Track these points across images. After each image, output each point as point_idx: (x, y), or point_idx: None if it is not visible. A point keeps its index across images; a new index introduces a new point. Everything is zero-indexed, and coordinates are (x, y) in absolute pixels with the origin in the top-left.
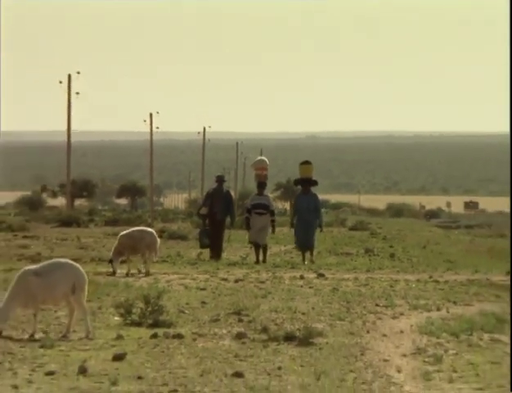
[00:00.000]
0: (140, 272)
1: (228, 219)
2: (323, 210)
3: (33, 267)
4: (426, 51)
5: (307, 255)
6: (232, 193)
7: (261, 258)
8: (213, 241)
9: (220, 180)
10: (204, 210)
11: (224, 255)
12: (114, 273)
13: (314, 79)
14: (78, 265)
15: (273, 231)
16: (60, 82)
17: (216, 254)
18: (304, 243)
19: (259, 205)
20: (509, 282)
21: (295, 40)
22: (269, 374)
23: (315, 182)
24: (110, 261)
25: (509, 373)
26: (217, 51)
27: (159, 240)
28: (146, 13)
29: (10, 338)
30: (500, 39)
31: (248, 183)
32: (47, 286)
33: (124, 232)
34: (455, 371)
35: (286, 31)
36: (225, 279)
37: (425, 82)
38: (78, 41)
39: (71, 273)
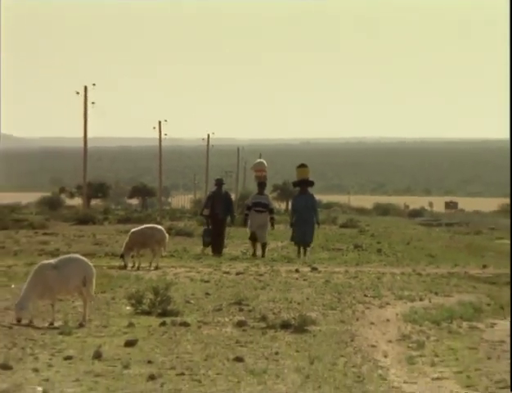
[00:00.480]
0: (151, 265)
1: (229, 218)
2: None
3: (49, 261)
4: (411, 63)
5: (305, 251)
6: (234, 194)
7: (259, 253)
8: (215, 239)
9: (219, 183)
10: (206, 212)
11: (226, 250)
12: (125, 267)
13: (308, 91)
14: (88, 260)
15: (272, 227)
16: (78, 92)
17: (218, 251)
18: (302, 239)
19: (259, 204)
20: (484, 275)
21: (292, 52)
22: (267, 359)
23: (311, 183)
24: (122, 256)
25: (485, 357)
26: (220, 66)
27: (167, 236)
28: (154, 27)
29: (31, 326)
30: (482, 46)
31: (248, 185)
32: (61, 278)
33: (135, 229)
34: (436, 356)
35: (283, 43)
36: (227, 272)
37: (409, 92)
38: (93, 54)
39: (82, 267)
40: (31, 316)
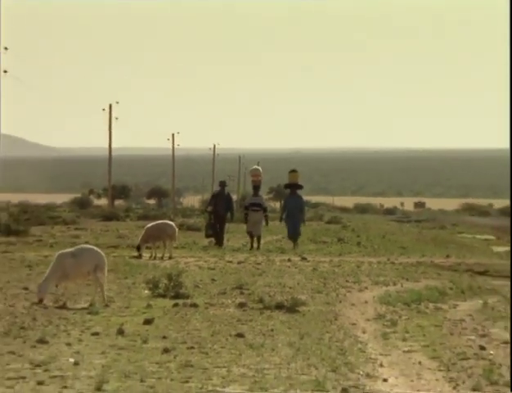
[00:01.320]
0: (164, 256)
1: (229, 215)
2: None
3: (67, 250)
4: (388, 82)
5: (295, 244)
6: (235, 195)
7: (255, 245)
8: (216, 232)
9: (222, 185)
10: (210, 208)
11: (228, 243)
12: (140, 256)
13: (300, 107)
14: (100, 250)
15: (266, 223)
16: (103, 109)
17: (219, 242)
18: (293, 233)
19: (255, 204)
20: (447, 264)
21: (286, 72)
22: (264, 335)
23: (300, 187)
24: (138, 247)
25: (448, 333)
26: (224, 85)
27: (177, 230)
28: (169, 52)
29: (65, 307)
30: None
31: (247, 187)
32: (77, 265)
33: (150, 224)
34: (407, 332)
35: (278, 64)
36: (230, 261)
37: (385, 109)
38: (117, 75)
39: (95, 256)
40: (65, 298)
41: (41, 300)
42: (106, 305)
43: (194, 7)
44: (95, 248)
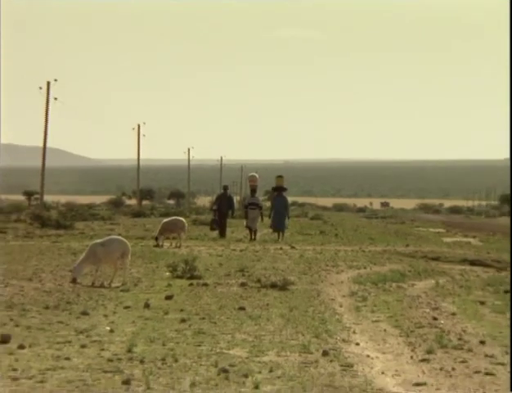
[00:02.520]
0: (176, 245)
1: (230, 212)
2: (290, 208)
3: (99, 241)
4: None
5: (280, 234)
6: (238, 196)
7: (253, 237)
8: (219, 226)
9: (225, 188)
10: (215, 207)
11: (232, 234)
12: (157, 246)
13: (286, 126)
14: (126, 240)
15: (262, 219)
16: (133, 128)
17: (222, 234)
18: (278, 227)
19: (252, 203)
20: (407, 251)
21: (280, 93)
22: (261, 308)
23: (285, 189)
24: (156, 238)
25: (407, 307)
26: (229, 106)
27: (187, 225)
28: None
29: (102, 286)
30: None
31: (247, 191)
32: (107, 252)
33: (166, 219)
34: (375, 306)
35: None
36: (234, 250)
37: (358, 123)
38: (145, 99)
39: (121, 245)
40: (102, 279)
41: (74, 280)
42: (135, 284)
43: (212, 28)
44: (121, 238)
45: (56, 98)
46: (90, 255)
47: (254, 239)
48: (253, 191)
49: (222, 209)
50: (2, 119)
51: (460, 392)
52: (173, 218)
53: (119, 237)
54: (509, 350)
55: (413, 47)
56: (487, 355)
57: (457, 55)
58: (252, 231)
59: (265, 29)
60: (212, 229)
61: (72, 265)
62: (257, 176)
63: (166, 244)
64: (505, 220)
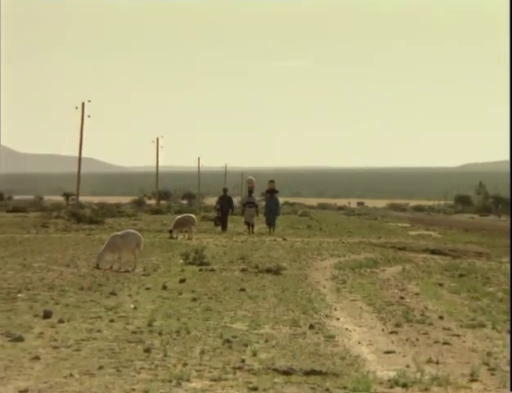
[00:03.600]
0: (188, 237)
1: (230, 211)
2: (282, 207)
3: (118, 233)
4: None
5: (272, 229)
6: (239, 197)
7: (251, 231)
8: (221, 222)
9: (225, 191)
10: (217, 206)
11: (235, 229)
12: (172, 238)
13: (279, 139)
14: (139, 233)
15: (257, 215)
16: (153, 141)
17: (224, 229)
18: (270, 222)
19: (250, 202)
20: (379, 242)
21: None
22: (258, 289)
23: (277, 191)
24: (170, 231)
25: (379, 288)
26: (234, 119)
27: (197, 221)
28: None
29: (127, 271)
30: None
31: (246, 193)
32: (125, 243)
33: (179, 216)
34: (352, 287)
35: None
36: (236, 241)
37: (343, 135)
38: (161, 114)
39: (136, 237)
40: (120, 264)
41: (97, 266)
42: (133, 269)
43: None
44: (136, 232)
45: (89, 116)
46: (111, 245)
47: (252, 232)
48: (251, 192)
49: (224, 207)
50: (49, 134)
51: (423, 358)
52: (185, 215)
53: (134, 231)
54: (463, 323)
55: (384, 65)
56: (444, 328)
57: (427, 73)
58: (250, 225)
59: (262, 60)
60: (216, 225)
61: (98, 253)
62: (253, 180)
63: (180, 236)
64: (460, 217)
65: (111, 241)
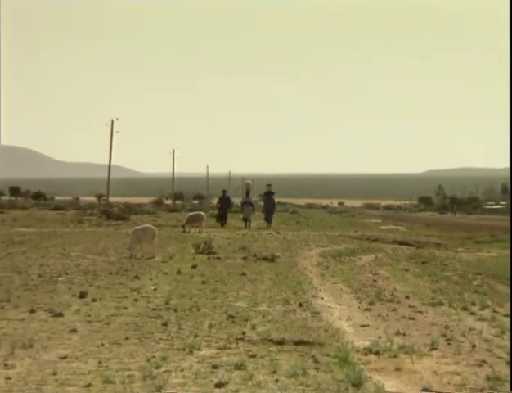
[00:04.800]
0: (199, 231)
1: (228, 210)
2: (277, 206)
3: (138, 227)
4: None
5: (269, 224)
6: (240, 198)
7: (248, 226)
8: (222, 219)
9: (224, 192)
10: (218, 205)
11: (236, 224)
12: (185, 231)
13: (275, 151)
14: (154, 227)
15: (253, 213)
16: (169, 152)
17: (223, 224)
18: (268, 219)
19: (247, 202)
20: (356, 235)
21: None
22: (257, 274)
23: (273, 193)
24: (183, 226)
25: (356, 273)
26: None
27: (205, 217)
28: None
29: (150, 259)
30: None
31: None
32: (144, 234)
33: (191, 213)
34: (334, 272)
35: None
36: (238, 234)
37: (331, 145)
38: (179, 126)
39: (152, 230)
40: (143, 253)
41: (131, 255)
42: (170, 258)
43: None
44: (152, 226)
45: (117, 131)
46: (134, 237)
47: (249, 227)
48: (248, 193)
49: (223, 207)
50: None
51: (392, 331)
52: (196, 212)
53: (151, 225)
54: (425, 302)
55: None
56: (410, 306)
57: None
58: (247, 221)
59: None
60: (217, 221)
61: (127, 245)
62: (251, 183)
63: (192, 230)
64: (422, 214)
65: (134, 234)
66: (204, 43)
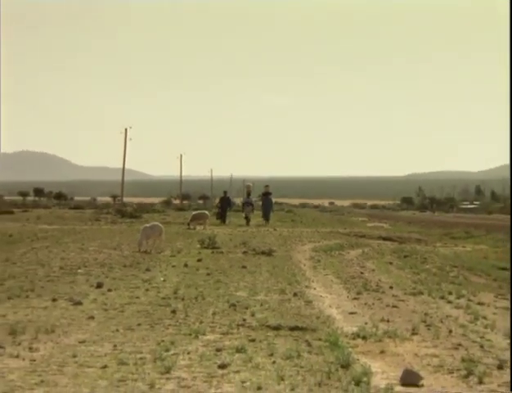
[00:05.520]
0: (204, 228)
1: (228, 209)
2: (274, 205)
3: (147, 224)
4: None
5: (267, 222)
6: (241, 199)
7: (248, 223)
8: (222, 218)
9: (225, 193)
10: (219, 205)
11: (237, 222)
12: (190, 228)
13: (273, 157)
14: (161, 225)
15: (253, 212)
16: (177, 157)
17: (223, 222)
18: (266, 217)
19: (247, 202)
20: (345, 232)
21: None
22: (256, 266)
23: (270, 193)
24: (188, 224)
25: (345, 266)
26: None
27: (209, 216)
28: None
29: (159, 253)
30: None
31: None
32: (152, 231)
33: (195, 212)
34: (325, 265)
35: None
36: (238, 231)
37: (325, 148)
38: (186, 132)
39: (159, 227)
40: (153, 248)
41: (139, 250)
42: (178, 252)
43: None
44: (159, 224)
45: (131, 139)
46: (144, 234)
47: (248, 225)
48: (248, 194)
49: (224, 206)
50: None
51: (377, 317)
52: (201, 211)
53: (158, 223)
54: (407, 292)
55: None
56: (393, 295)
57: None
58: (247, 219)
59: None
60: (217, 219)
61: (137, 241)
62: (251, 185)
63: (197, 227)
64: (405, 213)
65: (144, 231)
66: (207, 45)
